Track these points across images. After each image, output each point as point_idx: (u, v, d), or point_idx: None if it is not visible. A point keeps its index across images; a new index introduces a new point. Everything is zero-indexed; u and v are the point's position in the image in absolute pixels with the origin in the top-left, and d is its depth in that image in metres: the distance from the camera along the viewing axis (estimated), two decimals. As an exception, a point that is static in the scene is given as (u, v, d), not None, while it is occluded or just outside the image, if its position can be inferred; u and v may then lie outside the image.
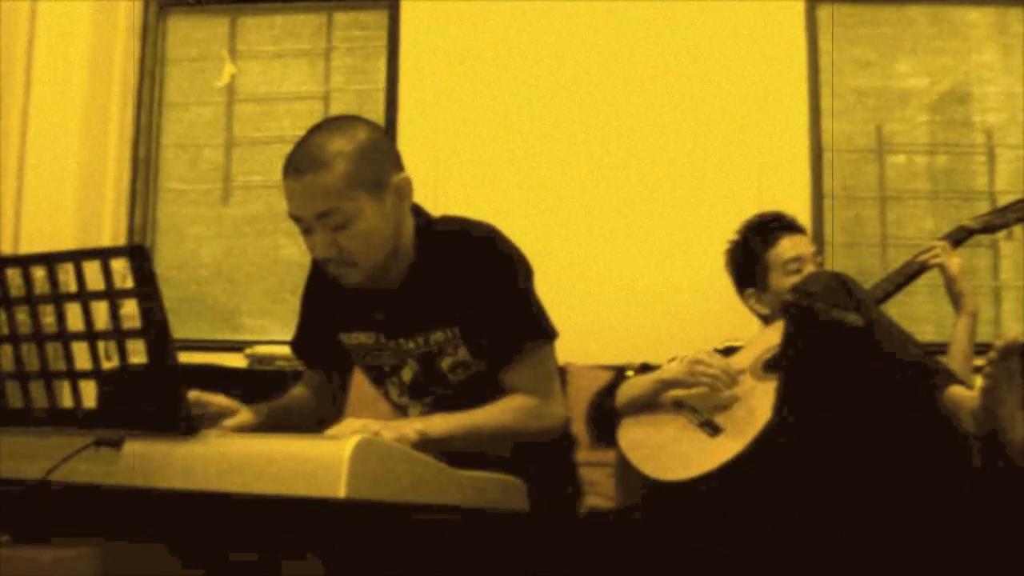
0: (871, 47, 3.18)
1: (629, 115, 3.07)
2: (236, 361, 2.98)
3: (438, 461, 1.33)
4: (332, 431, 1.41)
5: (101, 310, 1.27)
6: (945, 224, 2.68)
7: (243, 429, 1.64)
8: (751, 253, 2.41)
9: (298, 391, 1.88)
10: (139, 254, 1.20)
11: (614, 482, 2.27)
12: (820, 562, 1.69)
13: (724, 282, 2.51)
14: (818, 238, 3.01)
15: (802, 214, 2.69)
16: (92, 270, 1.25)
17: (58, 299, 1.29)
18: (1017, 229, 2.45)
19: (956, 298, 2.32)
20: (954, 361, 2.24)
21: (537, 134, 3.09)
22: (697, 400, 2.05)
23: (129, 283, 1.20)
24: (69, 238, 3.10)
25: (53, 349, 1.31)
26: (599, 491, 2.28)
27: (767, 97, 3.02)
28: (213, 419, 1.62)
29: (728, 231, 2.49)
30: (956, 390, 1.71)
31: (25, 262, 1.30)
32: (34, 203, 3.16)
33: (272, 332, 3.25)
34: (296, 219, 1.61)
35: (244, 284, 3.36)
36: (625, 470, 2.08)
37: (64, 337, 1.30)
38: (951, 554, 1.68)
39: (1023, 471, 1.62)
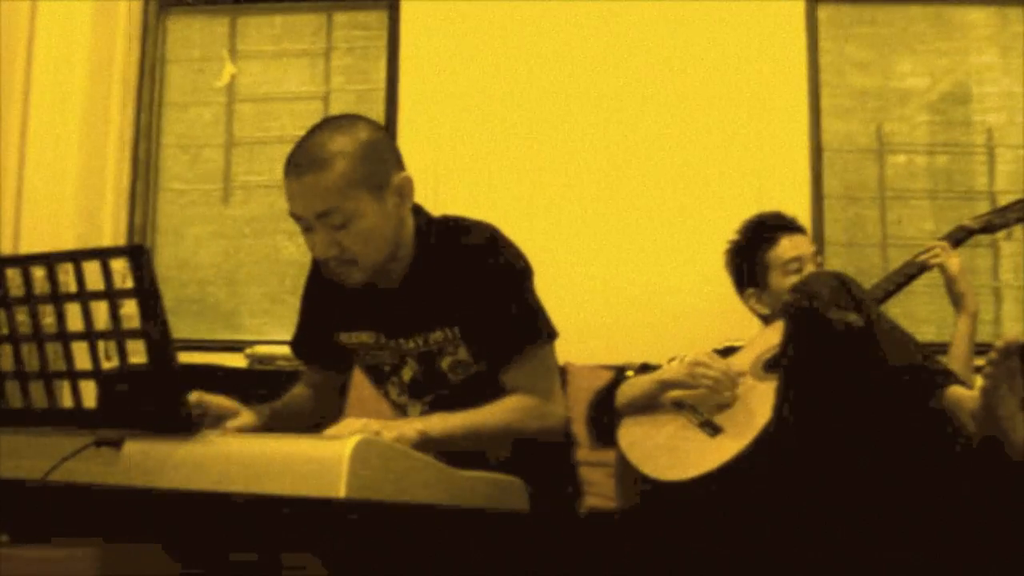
0: (871, 47, 3.18)
1: (629, 115, 3.07)
2: (236, 361, 2.98)
3: (438, 461, 1.33)
4: (332, 431, 1.41)
5: (101, 310, 1.27)
6: (945, 224, 2.68)
7: (244, 430, 1.64)
8: (751, 253, 2.41)
9: (298, 391, 1.88)
10: (139, 254, 1.20)
11: (614, 482, 2.26)
12: (820, 562, 1.69)
13: (724, 282, 2.51)
14: (818, 238, 3.01)
15: (802, 214, 2.69)
16: (92, 270, 1.25)
17: (58, 299, 1.29)
18: (1017, 229, 2.45)
19: (956, 298, 2.32)
20: (954, 361, 2.24)
21: (537, 134, 3.09)
22: (697, 400, 2.05)
23: (129, 283, 1.20)
24: (69, 238, 3.09)
25: (53, 349, 1.31)
26: (599, 491, 2.28)
27: (767, 97, 3.02)
28: (214, 420, 1.61)
29: (728, 231, 2.49)
30: (956, 390, 1.71)
31: (25, 262, 1.30)
32: (34, 203, 3.16)
33: (272, 332, 3.25)
34: (297, 218, 1.61)
35: (244, 284, 3.36)
36: (625, 470, 2.08)
37: (64, 337, 1.30)
38: (951, 554, 1.68)
39: (1023, 471, 1.62)
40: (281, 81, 3.41)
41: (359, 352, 1.78)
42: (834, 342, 1.79)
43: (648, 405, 2.11)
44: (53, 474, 1.23)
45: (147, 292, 1.20)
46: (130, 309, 1.22)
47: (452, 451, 1.43)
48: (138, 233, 3.35)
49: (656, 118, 3.06)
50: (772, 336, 2.06)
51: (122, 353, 1.24)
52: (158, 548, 1.35)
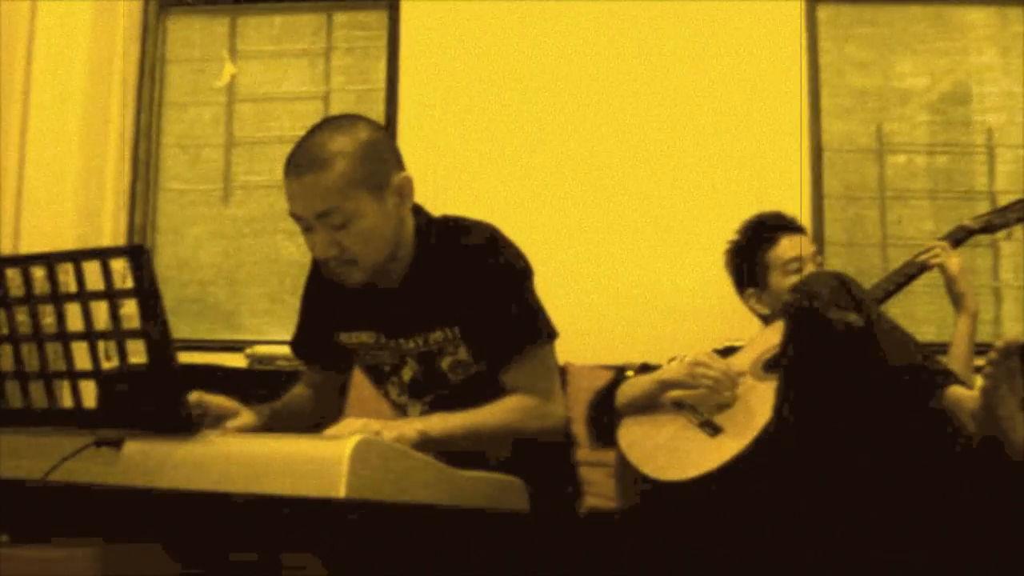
0: (871, 47, 3.18)
1: (629, 115, 3.07)
2: (236, 361, 2.98)
3: (438, 461, 1.33)
4: (332, 430, 1.41)
5: (101, 310, 1.27)
6: (945, 224, 2.68)
7: (244, 430, 1.64)
8: (751, 253, 2.41)
9: (298, 391, 1.88)
10: (139, 254, 1.20)
11: (614, 482, 2.26)
12: (820, 562, 1.69)
13: (724, 282, 2.51)
14: (818, 238, 3.01)
15: (802, 214, 2.69)
16: (92, 270, 1.25)
17: (58, 299, 1.29)
18: (1017, 229, 2.45)
19: (956, 298, 2.32)
20: (954, 361, 2.24)
21: (537, 134, 3.09)
22: (697, 400, 2.05)
23: (129, 283, 1.20)
24: (69, 238, 3.09)
25: (53, 349, 1.31)
26: (599, 491, 2.28)
27: (767, 97, 3.02)
28: (214, 420, 1.61)
29: (728, 231, 2.49)
30: (956, 390, 1.71)
31: (25, 262, 1.30)
32: (34, 203, 3.16)
33: (272, 332, 3.25)
34: (297, 218, 1.61)
35: (244, 284, 3.36)
36: (625, 470, 2.08)
37: (64, 337, 1.30)
38: (951, 554, 1.68)
39: (1023, 471, 1.62)
40: (281, 81, 3.41)
41: (359, 352, 1.78)
42: (834, 342, 1.79)
43: (648, 405, 2.11)
44: (53, 474, 1.23)
45: (147, 292, 1.20)
46: (130, 309, 1.22)
47: (452, 451, 1.43)
48: (138, 233, 3.35)
49: (656, 118, 3.06)
50: (772, 336, 2.06)
51: (122, 353, 1.24)
52: (158, 548, 1.35)
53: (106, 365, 1.29)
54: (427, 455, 1.33)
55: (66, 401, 1.33)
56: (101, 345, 1.28)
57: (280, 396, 1.86)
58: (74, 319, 1.28)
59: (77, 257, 1.25)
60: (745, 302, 2.46)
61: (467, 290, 1.64)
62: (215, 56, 3.44)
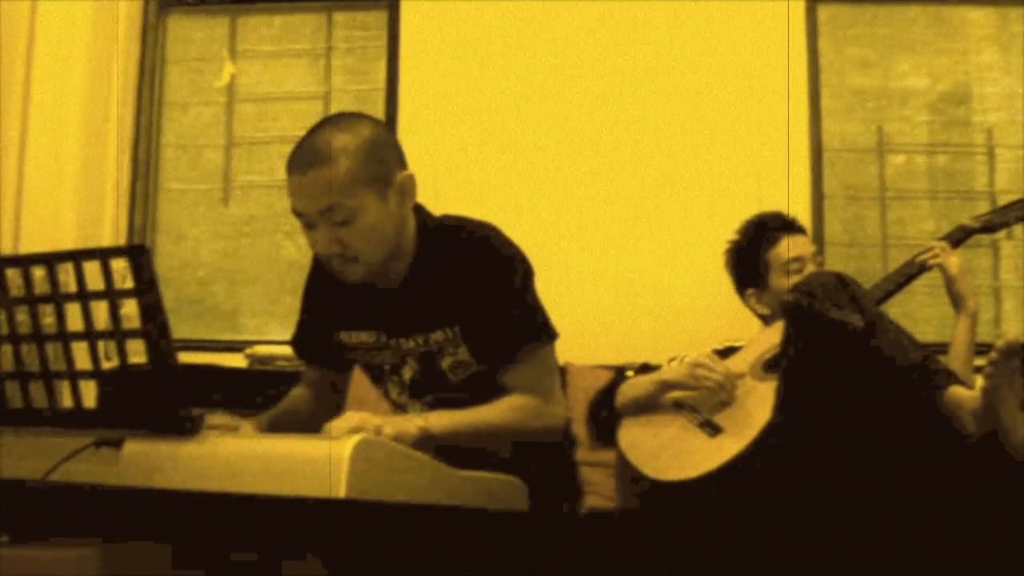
0: (871, 47, 3.18)
1: (629, 115, 3.07)
2: (236, 361, 2.98)
3: (438, 461, 1.33)
4: (333, 423, 1.41)
5: (101, 310, 1.27)
6: (945, 224, 2.68)
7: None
8: (751, 253, 2.41)
9: (297, 392, 1.88)
10: (139, 254, 1.20)
11: (614, 482, 2.27)
12: (820, 562, 1.69)
13: (724, 282, 2.51)
14: (818, 238, 3.01)
15: (802, 214, 2.69)
16: (92, 270, 1.25)
17: (58, 299, 1.29)
18: (1017, 229, 2.46)
19: (956, 298, 2.32)
20: (954, 361, 2.24)
21: (537, 134, 3.09)
22: (697, 400, 2.05)
23: (129, 283, 1.20)
24: (69, 238, 3.10)
25: (53, 349, 1.31)
26: (599, 491, 2.28)
27: (767, 97, 3.02)
28: None
29: (728, 231, 2.49)
30: (957, 390, 1.71)
31: (25, 262, 1.30)
32: (34, 203, 3.16)
33: (272, 332, 3.25)
34: (299, 214, 1.60)
35: (244, 284, 3.36)
36: (625, 470, 2.08)
37: (64, 337, 1.30)
38: (951, 554, 1.68)
39: (1023, 471, 1.62)
40: (281, 81, 3.41)
41: (359, 351, 1.78)
42: (834, 342, 1.79)
43: (648, 405, 2.11)
44: (53, 474, 1.23)
45: (147, 292, 1.20)
46: (130, 309, 1.22)
47: (452, 451, 1.43)
48: (138, 233, 3.35)
49: (656, 118, 3.06)
50: (772, 336, 2.06)
51: (122, 353, 1.24)
52: (158, 548, 1.35)
53: (106, 365, 1.29)
54: (427, 455, 1.33)
55: (66, 401, 1.33)
56: (101, 345, 1.28)
57: (280, 397, 1.86)
58: (74, 319, 1.28)
59: (77, 257, 1.25)
60: (745, 302, 2.46)
61: (468, 290, 1.64)
62: (215, 56, 3.44)
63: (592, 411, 2.19)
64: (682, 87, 3.06)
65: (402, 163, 1.66)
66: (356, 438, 1.16)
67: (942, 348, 2.29)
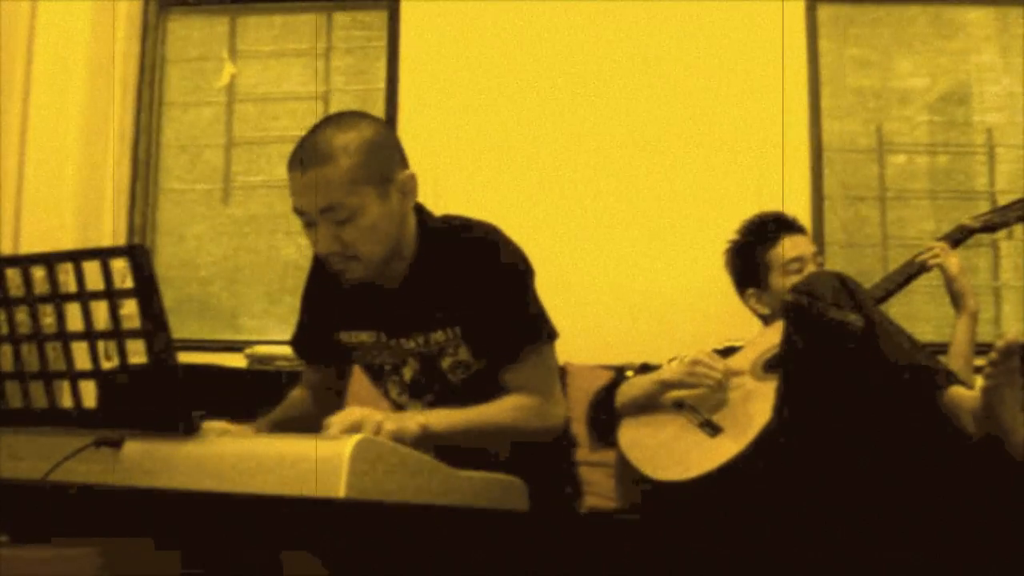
0: (871, 47, 3.18)
1: (629, 115, 3.07)
2: (236, 361, 2.98)
3: (438, 461, 1.33)
4: (333, 418, 1.41)
5: (101, 310, 1.27)
6: (945, 224, 2.68)
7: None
8: (751, 253, 2.41)
9: (297, 393, 1.88)
10: (139, 254, 1.20)
11: (614, 482, 2.27)
12: (820, 562, 1.69)
13: (724, 282, 2.51)
14: (818, 238, 3.01)
15: (802, 214, 2.69)
16: (92, 270, 1.25)
17: (58, 299, 1.29)
18: (1017, 229, 2.45)
19: (956, 298, 2.32)
20: (954, 361, 2.24)
21: (537, 134, 3.09)
22: (697, 400, 2.05)
23: (129, 283, 1.20)
24: (69, 238, 3.09)
25: (53, 349, 1.31)
26: (599, 491, 2.28)
27: (767, 97, 3.02)
28: None
29: (728, 231, 2.49)
30: (956, 390, 1.71)
31: (25, 262, 1.30)
32: (34, 203, 3.16)
33: (272, 332, 3.25)
34: (300, 213, 1.60)
35: (244, 284, 3.36)
36: (625, 470, 2.08)
37: (64, 337, 1.30)
38: (951, 554, 1.67)
39: (1023, 471, 1.62)
40: (281, 81, 3.41)
41: (359, 351, 1.78)
42: (834, 342, 1.79)
43: (648, 405, 2.11)
44: (53, 474, 1.23)
45: (147, 292, 1.20)
46: (130, 309, 1.22)
47: (452, 451, 1.43)
48: (138, 233, 3.35)
49: (656, 118, 3.06)
50: (772, 336, 2.06)
51: (122, 353, 1.24)
52: (158, 548, 1.35)
53: (106, 365, 1.29)
54: (427, 455, 1.33)
55: (66, 401, 1.33)
56: (101, 345, 1.28)
57: (280, 397, 1.86)
58: (74, 319, 1.28)
59: (77, 257, 1.25)
60: (745, 302, 2.46)
61: (468, 290, 1.64)
62: (215, 56, 3.44)
63: (592, 411, 2.19)
64: (682, 87, 3.06)
65: (403, 162, 1.66)
66: (356, 438, 1.16)
67: (942, 348, 2.29)
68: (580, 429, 2.09)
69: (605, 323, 2.93)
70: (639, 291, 2.98)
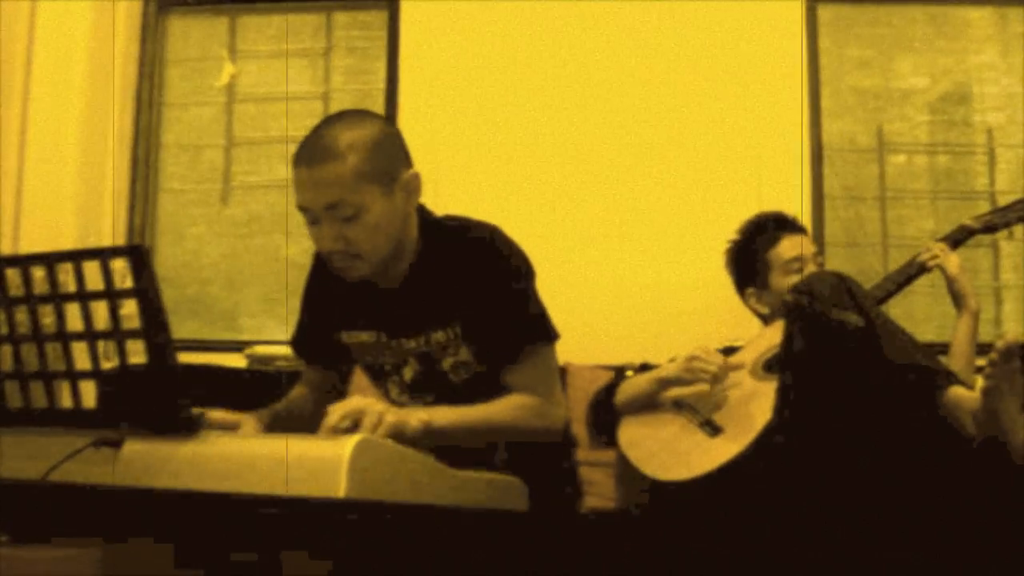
0: (871, 47, 3.18)
1: (629, 115, 3.07)
2: (236, 361, 2.98)
3: (438, 461, 1.33)
4: (334, 406, 1.41)
5: (101, 310, 1.27)
6: (945, 224, 2.68)
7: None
8: (752, 252, 2.41)
9: (297, 392, 1.88)
10: (139, 254, 1.20)
11: (614, 482, 2.27)
12: (820, 562, 1.69)
13: (724, 282, 2.51)
14: (818, 238, 3.01)
15: (802, 214, 2.69)
16: (92, 270, 1.25)
17: (58, 299, 1.29)
18: (1017, 229, 2.45)
19: (957, 298, 2.32)
20: (955, 361, 2.24)
21: (537, 134, 3.09)
22: (697, 400, 2.05)
23: (129, 283, 1.20)
24: (69, 238, 3.09)
25: (52, 349, 1.31)
26: (599, 491, 2.28)
27: (767, 97, 3.02)
28: None
29: (728, 231, 2.49)
30: (956, 391, 1.71)
31: (25, 262, 1.30)
32: (34, 203, 3.16)
33: (272, 332, 3.25)
34: (304, 210, 1.60)
35: (244, 284, 3.36)
36: (625, 470, 2.08)
37: (64, 337, 1.29)
38: (951, 554, 1.68)
39: (1023, 471, 1.62)
40: (281, 81, 3.41)
41: (360, 351, 1.78)
42: (834, 342, 1.79)
43: (648, 404, 2.11)
44: (53, 474, 1.23)
45: (147, 292, 1.20)
46: (130, 309, 1.22)
47: (452, 451, 1.43)
48: (138, 233, 3.35)
49: (656, 118, 3.06)
50: (772, 336, 2.06)
51: (122, 353, 1.24)
52: (158, 548, 1.35)
53: (106, 365, 1.29)
54: (427, 454, 1.33)
55: (66, 401, 1.33)
56: (101, 345, 1.28)
57: (281, 397, 1.86)
58: (74, 319, 1.28)
59: (77, 257, 1.25)
60: (745, 302, 2.46)
61: (469, 290, 1.64)
62: (215, 56, 3.44)
63: (592, 411, 2.19)
64: (682, 87, 3.06)
65: (408, 161, 1.66)
66: (356, 438, 1.16)
67: (942, 348, 2.29)
68: (580, 429, 2.09)
69: (605, 323, 2.93)
70: (639, 291, 2.98)
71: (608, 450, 2.16)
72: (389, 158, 1.61)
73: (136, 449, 1.23)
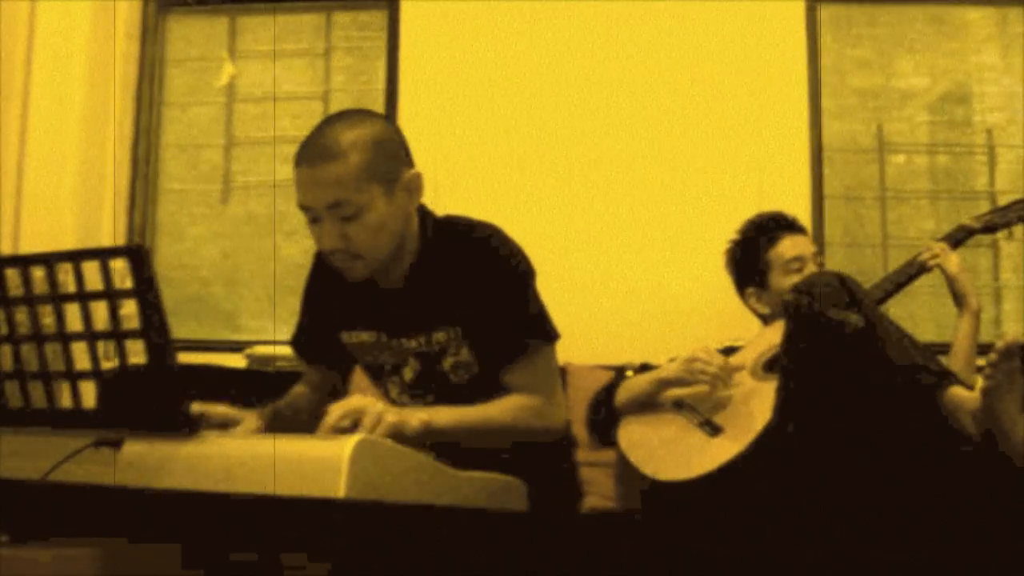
0: (871, 47, 3.18)
1: (629, 115, 3.07)
2: (236, 361, 2.98)
3: (438, 461, 1.33)
4: (335, 406, 1.41)
5: (100, 310, 1.27)
6: (945, 224, 2.68)
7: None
8: (752, 252, 2.41)
9: (298, 390, 1.88)
10: (139, 254, 1.20)
11: (614, 482, 2.26)
12: (820, 562, 1.69)
13: (724, 282, 2.51)
14: (818, 238, 3.01)
15: (802, 214, 2.69)
16: (92, 270, 1.24)
17: (57, 299, 1.28)
18: (1017, 229, 2.45)
19: (958, 298, 2.32)
20: (955, 361, 2.24)
21: (537, 134, 3.09)
22: (696, 400, 2.05)
23: (129, 283, 1.20)
24: (69, 238, 3.10)
25: (52, 349, 1.31)
26: (599, 491, 2.28)
27: (767, 97, 3.02)
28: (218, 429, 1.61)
29: (728, 231, 2.49)
30: (956, 391, 1.71)
31: (24, 262, 1.30)
32: (34, 203, 3.16)
33: (272, 332, 3.25)
34: (305, 209, 1.60)
35: (244, 284, 3.36)
36: (625, 470, 2.08)
37: (64, 337, 1.29)
38: (951, 554, 1.67)
39: (1023, 471, 1.62)
40: (281, 81, 3.41)
41: (360, 351, 1.78)
42: (834, 342, 1.79)
43: (648, 405, 2.11)
44: (53, 474, 1.23)
45: (147, 292, 1.20)
46: (130, 309, 1.22)
47: (452, 451, 1.43)
48: (138, 233, 3.35)
49: (656, 118, 3.06)
50: (772, 336, 2.06)
51: (122, 353, 1.24)
52: (158, 548, 1.35)
53: (106, 365, 1.29)
54: (427, 453, 1.33)
55: (66, 401, 1.33)
56: (101, 345, 1.28)
57: (281, 397, 1.86)
58: (74, 319, 1.28)
59: (77, 257, 1.25)
60: (745, 302, 2.46)
61: (469, 290, 1.64)
62: (215, 56, 3.45)
63: (592, 411, 2.19)
64: (682, 87, 3.06)
65: (409, 161, 1.66)
66: (356, 438, 1.16)
67: (942, 348, 2.29)
68: (580, 429, 2.08)
69: (605, 323, 2.93)
70: (639, 291, 2.98)
71: (608, 450, 2.16)
72: (390, 158, 1.61)
73: (136, 449, 1.23)
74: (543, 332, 1.68)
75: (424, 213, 1.72)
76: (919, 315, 3.01)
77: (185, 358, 1.45)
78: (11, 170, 3.16)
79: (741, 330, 2.42)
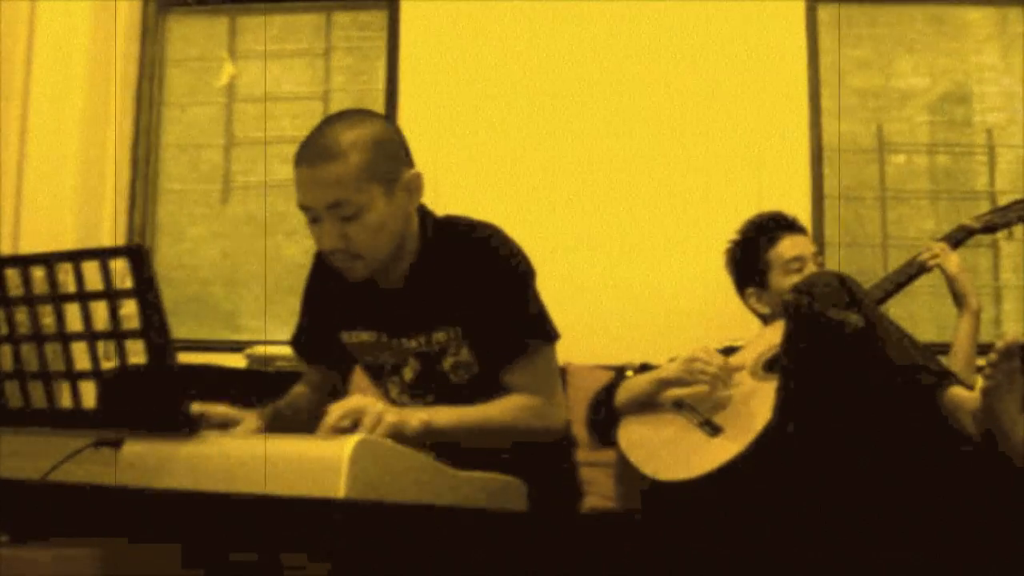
0: (871, 47, 3.18)
1: (629, 115, 3.07)
2: (236, 361, 2.98)
3: (438, 461, 1.33)
4: (335, 406, 1.41)
5: (100, 310, 1.27)
6: (945, 224, 2.68)
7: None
8: (752, 252, 2.41)
9: (298, 390, 1.88)
10: (138, 254, 1.20)
11: (614, 482, 2.26)
12: (820, 562, 1.69)
13: (724, 282, 2.51)
14: (818, 238, 3.01)
15: (802, 214, 2.69)
16: (92, 270, 1.24)
17: (57, 299, 1.28)
18: (1017, 229, 2.45)
19: (958, 298, 2.32)
20: (955, 361, 2.24)
21: (537, 134, 3.09)
22: (696, 400, 2.05)
23: (128, 283, 1.20)
24: (69, 238, 3.10)
25: (52, 349, 1.31)
26: (599, 491, 2.28)
27: (767, 97, 3.02)
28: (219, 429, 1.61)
29: (728, 231, 2.49)
30: (956, 391, 1.71)
31: (24, 262, 1.30)
32: (34, 203, 3.16)
33: (272, 332, 3.25)
34: (305, 209, 1.60)
35: (244, 284, 3.36)
36: (625, 470, 2.08)
37: (63, 337, 1.29)
38: (951, 554, 1.67)
39: (1023, 471, 1.62)
40: (281, 81, 3.41)
41: (360, 351, 1.78)
42: (834, 342, 1.79)
43: (648, 404, 2.11)
44: (53, 474, 1.23)
45: (147, 292, 1.20)
46: (130, 309, 1.22)
47: (453, 451, 1.43)
48: (138, 233, 3.35)
49: (656, 118, 3.06)
50: (772, 336, 2.06)
51: (122, 353, 1.24)
52: (159, 548, 1.35)
53: (106, 365, 1.29)
54: (427, 453, 1.33)
55: (66, 401, 1.33)
56: (101, 345, 1.28)
57: (281, 396, 1.86)
58: (73, 319, 1.28)
59: (76, 257, 1.25)
60: (745, 302, 2.46)
61: (470, 290, 1.64)
62: (215, 56, 3.44)
63: (592, 411, 2.19)
64: (682, 87, 3.06)
65: (409, 161, 1.66)
66: (356, 438, 1.16)
67: (942, 348, 2.29)
68: (580, 429, 2.08)
69: (605, 323, 2.93)
70: (639, 291, 2.98)
71: (608, 450, 2.16)
72: (391, 158, 1.61)
73: (136, 449, 1.23)
74: (543, 332, 1.68)
75: (424, 213, 1.72)
76: (919, 315, 3.01)
77: (185, 358, 1.45)
78: (11, 170, 3.16)
79: (741, 330, 2.42)
